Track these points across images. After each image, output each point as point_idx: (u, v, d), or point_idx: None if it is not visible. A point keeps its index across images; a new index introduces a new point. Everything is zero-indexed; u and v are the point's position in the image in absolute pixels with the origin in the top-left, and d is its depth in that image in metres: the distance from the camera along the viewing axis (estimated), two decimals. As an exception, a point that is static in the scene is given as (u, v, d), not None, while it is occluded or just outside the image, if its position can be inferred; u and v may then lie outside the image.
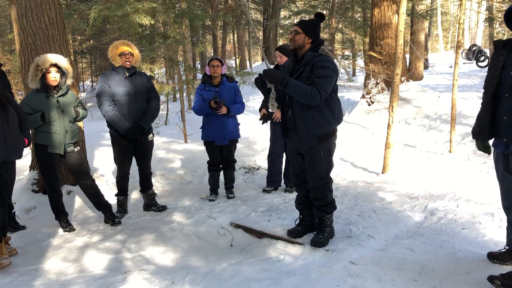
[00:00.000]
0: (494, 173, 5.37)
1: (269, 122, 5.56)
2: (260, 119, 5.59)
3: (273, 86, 3.55)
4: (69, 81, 4.47)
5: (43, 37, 5.16)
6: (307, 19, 3.81)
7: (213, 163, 5.49)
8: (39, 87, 4.30)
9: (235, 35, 28.03)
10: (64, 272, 3.64)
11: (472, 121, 7.15)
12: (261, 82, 4.81)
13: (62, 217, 4.59)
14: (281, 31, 20.48)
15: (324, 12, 21.01)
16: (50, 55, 4.39)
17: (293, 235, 3.97)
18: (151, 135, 5.04)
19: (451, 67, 19.44)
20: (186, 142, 8.21)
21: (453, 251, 3.55)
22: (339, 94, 3.86)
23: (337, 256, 3.60)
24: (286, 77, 3.50)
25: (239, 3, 17.16)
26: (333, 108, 3.68)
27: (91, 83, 27.00)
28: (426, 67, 17.99)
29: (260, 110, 5.61)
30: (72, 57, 6.87)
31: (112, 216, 4.73)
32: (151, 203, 5.15)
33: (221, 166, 5.56)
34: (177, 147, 7.51)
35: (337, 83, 3.71)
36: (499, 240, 3.66)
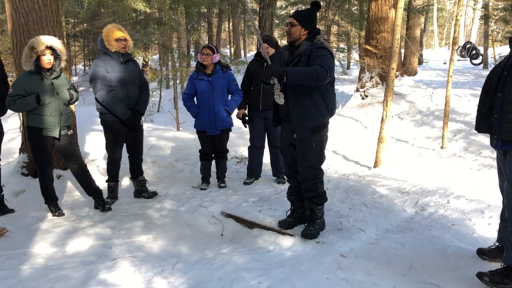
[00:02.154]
0: (485, 170, 5.44)
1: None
2: (243, 122, 5.58)
3: (276, 79, 3.52)
4: (62, 64, 4.41)
5: (36, 18, 5.07)
6: (302, 9, 3.76)
7: (205, 152, 5.46)
8: (33, 69, 4.23)
9: (231, 24, 27.88)
10: (52, 257, 3.61)
11: (465, 118, 7.22)
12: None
13: (52, 201, 4.55)
14: (277, 21, 20.38)
15: (321, 3, 20.95)
16: (45, 37, 4.31)
17: (284, 226, 3.97)
18: (142, 119, 5.04)
19: (445, 63, 19.53)
20: (178, 130, 8.16)
21: (443, 247, 3.57)
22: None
23: (328, 249, 3.61)
24: (285, 68, 3.45)
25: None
26: (327, 101, 3.67)
27: (83, 67, 26.73)
28: (420, 62, 18.04)
29: (238, 108, 5.53)
30: (65, 40, 6.74)
31: (102, 202, 4.70)
32: (141, 190, 5.12)
33: (213, 155, 5.53)
34: (169, 134, 7.46)
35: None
36: (488, 237, 3.69)
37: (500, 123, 2.93)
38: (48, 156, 4.43)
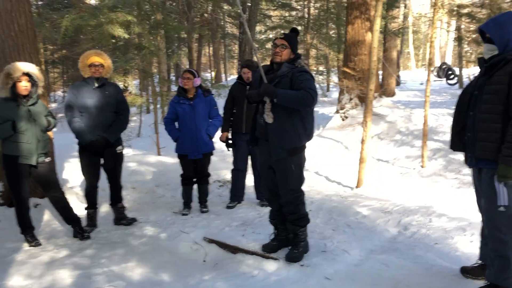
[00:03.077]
0: (465, 187, 5.50)
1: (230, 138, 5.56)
2: (227, 146, 5.55)
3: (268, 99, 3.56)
4: (40, 90, 4.35)
5: (12, 45, 5.01)
6: (289, 32, 3.82)
7: (186, 177, 5.40)
8: (8, 95, 4.16)
9: (211, 48, 28.11)
10: (28, 290, 3.47)
11: (443, 137, 7.33)
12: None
13: (28, 231, 4.40)
14: (256, 45, 20.68)
15: (299, 28, 21.29)
16: (21, 63, 4.26)
17: (268, 250, 3.92)
18: (120, 147, 4.91)
19: (422, 84, 19.93)
20: (159, 154, 8.08)
21: (427, 266, 3.56)
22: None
23: (312, 271, 3.56)
24: (277, 89, 3.50)
25: (215, 16, 17.22)
26: (306, 123, 3.68)
27: (62, 94, 26.48)
28: (398, 83, 18.39)
29: (222, 131, 5.53)
30: (43, 66, 6.69)
31: (81, 230, 4.58)
32: (120, 217, 5.01)
33: (194, 179, 5.47)
34: (149, 159, 7.38)
35: None
36: (471, 254, 3.69)
37: (473, 141, 2.99)
38: (24, 184, 4.31)
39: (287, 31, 3.87)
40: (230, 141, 5.53)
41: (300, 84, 3.51)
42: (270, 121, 3.56)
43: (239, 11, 4.14)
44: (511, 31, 2.89)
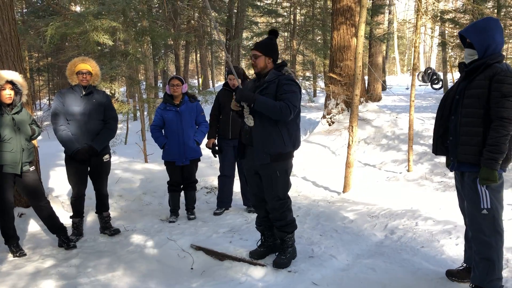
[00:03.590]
0: (450, 191, 5.56)
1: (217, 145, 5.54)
2: (213, 152, 5.52)
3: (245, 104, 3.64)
4: (23, 99, 4.30)
5: (-4, 53, 4.96)
6: (261, 40, 3.88)
7: (173, 184, 5.38)
8: (-10, 104, 4.11)
9: (198, 55, 28.09)
10: (12, 301, 3.42)
11: (429, 141, 7.41)
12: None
13: (12, 241, 4.34)
14: (243, 52, 20.72)
15: (286, 34, 21.40)
16: (4, 71, 4.21)
17: (255, 257, 3.91)
18: (107, 156, 4.87)
19: (407, 88, 20.15)
20: (146, 162, 8.03)
21: (413, 269, 3.59)
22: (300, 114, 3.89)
23: (300, 277, 3.57)
24: (256, 95, 3.56)
25: (201, 23, 17.23)
26: (290, 130, 3.70)
27: (48, 101, 26.23)
28: (384, 88, 18.55)
29: (208, 137, 5.51)
30: (28, 74, 6.62)
31: (66, 239, 4.52)
32: (105, 226, 4.97)
33: (181, 186, 5.45)
34: (136, 167, 7.34)
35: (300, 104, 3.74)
36: (456, 257, 3.73)
37: (455, 145, 3.04)
38: (8, 194, 4.25)
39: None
40: (217, 148, 5.52)
41: (283, 95, 3.55)
42: (251, 124, 3.62)
43: (223, 52, 4.19)
44: (490, 36, 2.94)
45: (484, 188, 2.91)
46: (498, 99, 2.82)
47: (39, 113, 20.51)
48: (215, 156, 5.58)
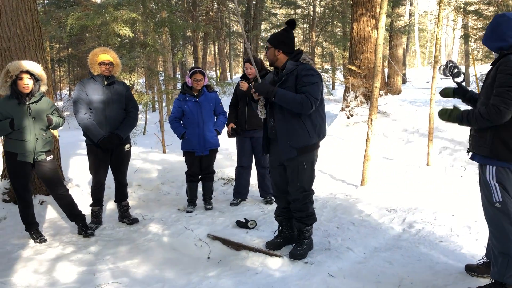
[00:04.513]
0: (470, 186, 5.47)
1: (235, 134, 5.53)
2: (232, 133, 5.51)
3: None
4: (43, 88, 4.36)
5: (18, 43, 5.04)
6: (275, 32, 3.87)
7: (191, 174, 5.41)
8: (9, 93, 4.18)
9: (216, 46, 28.11)
10: (34, 285, 3.50)
11: (448, 135, 7.30)
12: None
13: (32, 228, 4.43)
14: (261, 44, 20.66)
15: (305, 26, 21.24)
16: (23, 61, 4.27)
17: (272, 247, 3.91)
18: (128, 145, 4.92)
19: (428, 82, 19.83)
20: (164, 152, 8.10)
21: (431, 263, 3.55)
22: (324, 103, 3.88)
23: (316, 269, 3.56)
24: (275, 88, 3.54)
25: (220, 14, 17.22)
26: (314, 121, 3.67)
27: (68, 92, 26.60)
28: (404, 81, 18.30)
29: (227, 124, 5.54)
30: (49, 64, 6.71)
31: (85, 227, 4.59)
32: (123, 215, 5.03)
33: (199, 176, 5.48)
34: (155, 157, 7.40)
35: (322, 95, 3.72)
36: (476, 253, 3.67)
37: (471, 135, 3.05)
38: (24, 181, 4.33)
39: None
40: (235, 129, 5.46)
41: (303, 87, 3.52)
42: (262, 116, 3.64)
43: (247, 43, 4.19)
44: (499, 39, 2.95)
45: (494, 182, 2.90)
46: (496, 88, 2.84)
47: (60, 103, 20.83)
48: (230, 137, 5.53)
